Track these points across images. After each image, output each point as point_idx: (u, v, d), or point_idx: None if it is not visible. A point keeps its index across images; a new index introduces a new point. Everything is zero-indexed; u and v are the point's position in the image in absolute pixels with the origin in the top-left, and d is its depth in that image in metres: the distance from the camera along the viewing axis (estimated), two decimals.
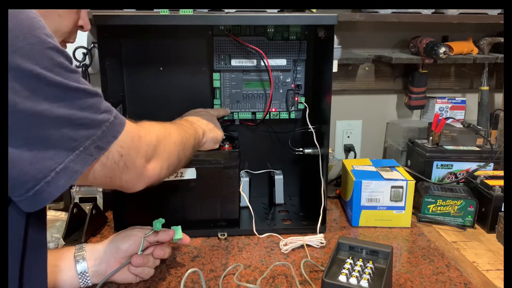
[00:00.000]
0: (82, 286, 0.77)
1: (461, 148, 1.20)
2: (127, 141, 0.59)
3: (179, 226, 0.84)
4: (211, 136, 0.93)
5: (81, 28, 0.71)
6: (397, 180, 1.03)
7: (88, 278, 0.77)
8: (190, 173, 0.96)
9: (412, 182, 1.03)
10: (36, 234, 0.54)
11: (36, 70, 0.46)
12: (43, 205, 0.50)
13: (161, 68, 1.07)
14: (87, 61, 1.10)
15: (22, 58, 0.45)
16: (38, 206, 0.50)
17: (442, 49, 1.20)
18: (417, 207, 1.08)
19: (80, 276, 0.77)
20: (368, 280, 0.71)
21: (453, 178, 1.17)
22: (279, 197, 1.15)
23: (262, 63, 1.05)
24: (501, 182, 1.05)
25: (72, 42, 0.71)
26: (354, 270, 0.73)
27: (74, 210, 0.98)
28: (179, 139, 0.77)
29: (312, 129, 1.03)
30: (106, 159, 0.56)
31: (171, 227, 0.84)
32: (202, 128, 0.91)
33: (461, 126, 1.23)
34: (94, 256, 0.78)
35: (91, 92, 0.53)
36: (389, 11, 1.17)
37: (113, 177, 0.60)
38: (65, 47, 0.70)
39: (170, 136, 0.75)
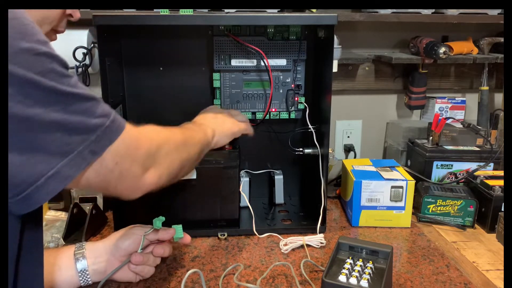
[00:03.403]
0: (82, 284, 0.77)
1: (461, 148, 1.20)
2: (123, 148, 0.57)
3: (180, 225, 0.84)
4: (222, 134, 0.89)
5: (70, 16, 0.70)
6: (397, 180, 1.03)
7: (88, 276, 0.77)
8: (190, 173, 0.96)
9: (412, 182, 1.03)
10: (32, 235, 0.54)
11: (29, 75, 0.46)
12: (32, 208, 0.49)
13: (161, 68, 1.07)
14: (87, 61, 1.10)
15: (14, 64, 0.45)
16: (28, 209, 0.49)
17: (442, 49, 1.20)
18: (417, 207, 1.08)
19: (80, 274, 0.77)
20: (368, 280, 0.71)
21: (453, 178, 1.17)
22: (279, 197, 1.15)
23: (262, 63, 1.05)
24: (501, 182, 1.05)
25: (62, 32, 0.70)
26: (354, 270, 0.73)
27: (74, 210, 0.98)
28: (182, 146, 0.73)
29: (312, 129, 1.03)
30: (100, 166, 0.54)
31: (172, 226, 0.83)
32: (211, 127, 0.87)
33: (461, 126, 1.23)
34: (94, 254, 0.78)
35: (85, 96, 0.52)
36: (389, 11, 1.17)
37: (108, 184, 0.58)
38: (55, 38, 0.70)
39: (173, 142, 0.71)
